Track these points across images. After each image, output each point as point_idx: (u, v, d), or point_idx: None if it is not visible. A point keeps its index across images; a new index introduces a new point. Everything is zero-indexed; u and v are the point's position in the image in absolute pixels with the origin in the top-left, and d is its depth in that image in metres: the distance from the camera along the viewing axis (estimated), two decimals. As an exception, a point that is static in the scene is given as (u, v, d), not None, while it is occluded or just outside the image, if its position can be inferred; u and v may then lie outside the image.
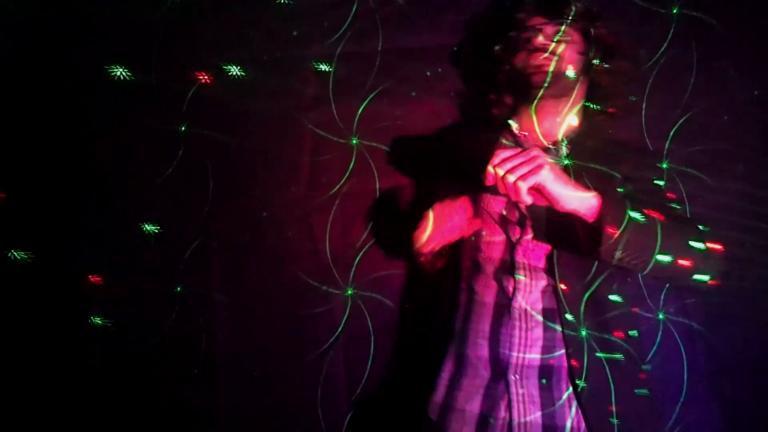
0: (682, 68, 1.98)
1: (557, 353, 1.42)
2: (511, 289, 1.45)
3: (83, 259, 1.88)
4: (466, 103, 1.85)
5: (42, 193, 1.87)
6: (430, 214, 1.43)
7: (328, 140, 1.94)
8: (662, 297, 1.99)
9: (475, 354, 1.43)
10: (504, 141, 1.56)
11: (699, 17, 1.92)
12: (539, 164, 1.21)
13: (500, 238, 1.49)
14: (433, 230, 1.41)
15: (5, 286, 1.80)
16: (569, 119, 1.51)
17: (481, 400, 1.41)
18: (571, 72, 1.46)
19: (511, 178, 1.20)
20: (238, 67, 1.84)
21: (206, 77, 1.88)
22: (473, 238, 1.47)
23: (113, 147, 1.97)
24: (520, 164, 1.21)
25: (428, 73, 1.95)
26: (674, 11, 1.95)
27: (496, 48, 1.56)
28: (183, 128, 1.89)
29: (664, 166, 1.78)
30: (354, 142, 1.92)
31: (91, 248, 1.89)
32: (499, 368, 1.41)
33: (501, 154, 1.24)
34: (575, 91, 1.50)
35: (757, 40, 2.02)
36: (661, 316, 1.99)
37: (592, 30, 1.51)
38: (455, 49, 1.89)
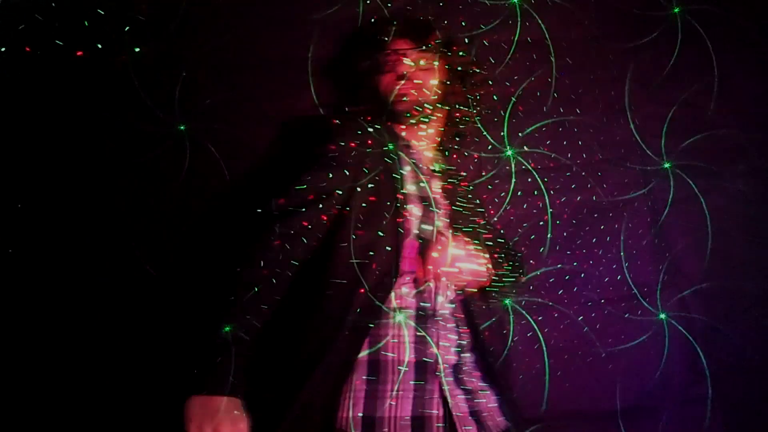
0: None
1: (467, 350, 1.53)
2: (428, 292, 1.50)
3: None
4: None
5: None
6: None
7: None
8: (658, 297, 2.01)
9: (400, 358, 1.41)
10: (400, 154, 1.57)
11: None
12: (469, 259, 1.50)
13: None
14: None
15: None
16: (434, 142, 1.64)
17: (412, 404, 1.38)
18: (433, 97, 1.56)
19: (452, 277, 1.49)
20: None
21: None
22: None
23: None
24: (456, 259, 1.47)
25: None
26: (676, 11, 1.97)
27: (361, 65, 1.64)
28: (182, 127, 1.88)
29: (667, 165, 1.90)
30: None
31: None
32: (426, 369, 1.42)
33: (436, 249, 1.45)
34: (436, 117, 1.62)
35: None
36: (662, 316, 1.99)
37: (452, 57, 1.63)
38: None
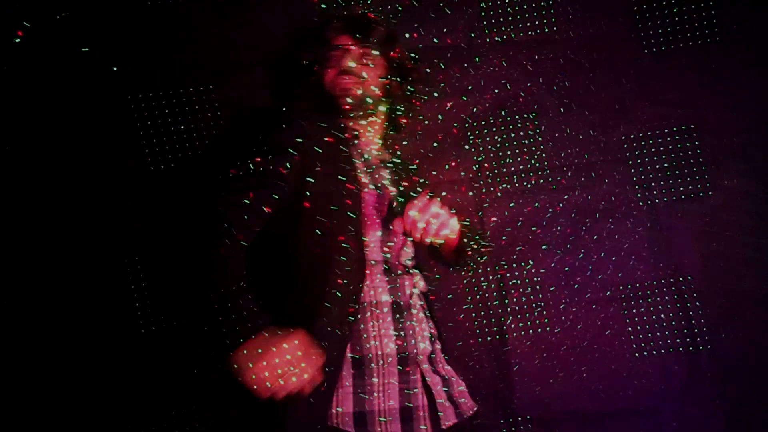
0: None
1: (435, 340, 1.57)
2: (402, 286, 1.52)
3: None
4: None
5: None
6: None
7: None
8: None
9: (382, 352, 1.43)
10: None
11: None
12: (448, 216, 1.46)
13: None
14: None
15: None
16: (377, 136, 1.67)
17: (398, 395, 1.42)
18: (375, 92, 1.60)
19: (431, 228, 1.42)
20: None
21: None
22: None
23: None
24: (436, 215, 1.43)
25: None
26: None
27: (305, 61, 1.67)
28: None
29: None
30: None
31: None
32: (407, 361, 1.46)
33: (417, 204, 1.42)
34: (379, 112, 1.64)
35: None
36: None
37: (393, 53, 1.65)
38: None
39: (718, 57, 2.05)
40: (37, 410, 1.82)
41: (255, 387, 1.22)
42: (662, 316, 2.03)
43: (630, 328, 2.03)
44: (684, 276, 2.05)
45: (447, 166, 2.05)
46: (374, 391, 1.40)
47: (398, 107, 1.69)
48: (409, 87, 1.70)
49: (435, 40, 2.04)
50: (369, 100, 1.58)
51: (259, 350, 1.23)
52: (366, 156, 1.60)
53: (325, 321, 1.36)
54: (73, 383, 1.84)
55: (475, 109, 2.06)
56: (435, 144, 2.05)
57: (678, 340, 2.03)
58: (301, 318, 1.35)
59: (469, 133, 2.06)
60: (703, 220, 2.04)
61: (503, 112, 2.07)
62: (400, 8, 2.01)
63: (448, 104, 2.05)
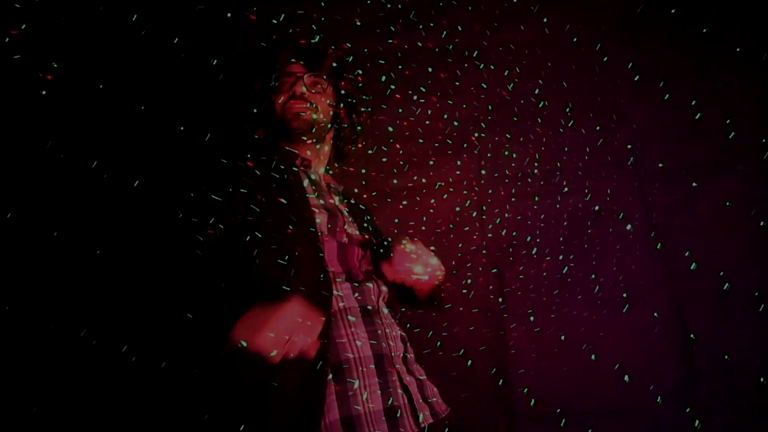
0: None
1: (406, 342, 1.62)
2: (367, 291, 1.55)
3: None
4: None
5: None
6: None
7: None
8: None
9: (360, 355, 1.45)
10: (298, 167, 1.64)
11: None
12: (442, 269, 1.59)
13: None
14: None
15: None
16: (326, 160, 1.74)
17: (381, 397, 1.44)
18: (324, 119, 1.65)
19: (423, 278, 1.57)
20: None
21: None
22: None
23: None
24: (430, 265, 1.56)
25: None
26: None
27: (257, 85, 1.71)
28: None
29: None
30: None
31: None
32: (384, 362, 1.49)
33: (412, 256, 1.55)
34: (327, 137, 1.71)
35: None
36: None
37: (342, 82, 1.73)
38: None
39: (717, 59, 2.09)
40: (37, 410, 1.78)
41: (260, 354, 1.24)
42: (658, 315, 2.05)
43: (626, 329, 2.05)
44: (680, 277, 2.08)
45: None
46: (357, 394, 1.41)
47: (344, 136, 1.75)
48: (355, 115, 1.76)
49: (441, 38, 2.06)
50: (319, 125, 1.63)
51: (258, 320, 1.25)
52: (314, 177, 1.65)
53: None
54: (73, 383, 1.81)
55: (475, 113, 2.10)
56: (436, 144, 2.08)
57: (674, 340, 2.05)
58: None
59: (471, 135, 2.10)
60: (700, 221, 2.07)
61: (503, 114, 2.10)
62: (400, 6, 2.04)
63: (449, 105, 2.08)
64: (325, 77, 1.67)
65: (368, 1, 2.05)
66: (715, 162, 2.09)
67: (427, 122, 2.04)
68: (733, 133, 2.08)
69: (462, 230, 2.07)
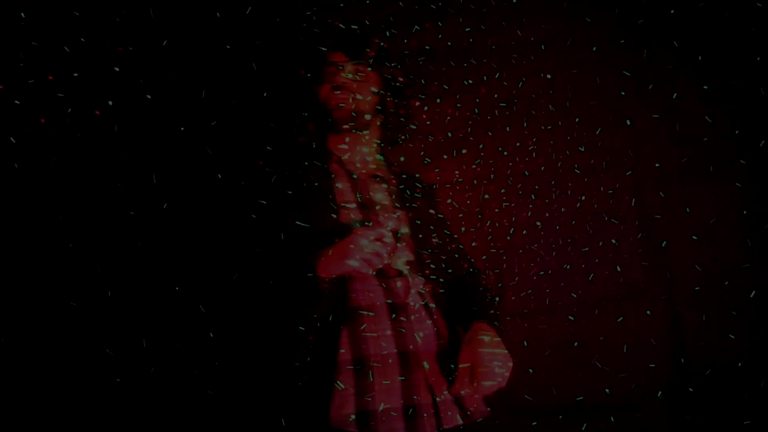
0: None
1: (443, 339, 1.57)
2: (396, 288, 1.53)
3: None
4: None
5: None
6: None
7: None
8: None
9: (381, 352, 1.45)
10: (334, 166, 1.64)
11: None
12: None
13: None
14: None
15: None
16: (374, 153, 1.71)
17: (401, 395, 1.43)
18: (368, 108, 1.65)
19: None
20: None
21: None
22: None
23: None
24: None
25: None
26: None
27: (301, 76, 1.71)
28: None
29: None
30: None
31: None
32: (408, 360, 1.47)
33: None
34: (373, 126, 1.68)
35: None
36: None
37: (387, 69, 1.70)
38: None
39: (716, 61, 2.10)
40: (37, 410, 1.81)
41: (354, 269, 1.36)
42: (653, 315, 2.09)
43: (622, 328, 2.07)
44: (676, 279, 2.12)
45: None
46: (375, 391, 1.41)
47: (391, 123, 1.72)
48: (402, 102, 1.73)
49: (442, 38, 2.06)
50: (362, 113, 1.62)
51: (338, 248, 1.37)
52: (354, 176, 1.62)
53: (318, 326, 1.40)
54: (72, 383, 1.82)
55: (476, 110, 2.11)
56: (441, 139, 2.09)
57: (668, 339, 2.10)
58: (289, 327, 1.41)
59: (469, 136, 2.11)
60: (695, 222, 2.10)
61: (503, 114, 2.11)
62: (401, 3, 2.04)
63: (449, 105, 2.09)
64: (369, 63, 1.64)
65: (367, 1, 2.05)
66: (712, 163, 2.11)
67: (428, 122, 2.05)
68: (730, 135, 2.10)
69: (462, 230, 2.08)
